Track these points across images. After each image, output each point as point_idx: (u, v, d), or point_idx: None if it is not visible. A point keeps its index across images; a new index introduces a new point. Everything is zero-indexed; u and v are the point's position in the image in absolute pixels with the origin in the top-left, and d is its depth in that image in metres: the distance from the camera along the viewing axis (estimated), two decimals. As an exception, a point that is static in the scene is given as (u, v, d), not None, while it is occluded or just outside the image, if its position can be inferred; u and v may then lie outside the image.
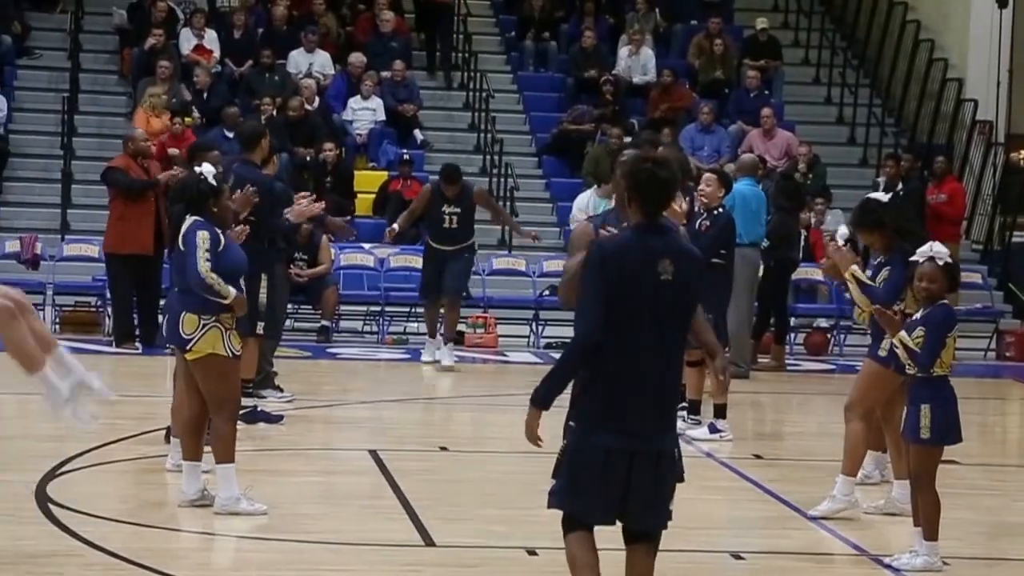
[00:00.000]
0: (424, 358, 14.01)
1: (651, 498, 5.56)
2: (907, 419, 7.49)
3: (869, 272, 8.37)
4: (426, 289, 14.03)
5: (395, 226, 13.81)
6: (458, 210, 13.58)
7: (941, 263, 7.36)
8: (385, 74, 19.58)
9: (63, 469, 9.11)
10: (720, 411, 10.92)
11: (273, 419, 10.94)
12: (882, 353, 8.31)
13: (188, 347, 8.05)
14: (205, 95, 18.91)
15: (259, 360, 10.96)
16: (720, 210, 10.95)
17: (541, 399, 5.63)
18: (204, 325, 8.00)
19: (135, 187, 14.34)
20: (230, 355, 8.03)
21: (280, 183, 11.76)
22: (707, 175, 11.07)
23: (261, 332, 10.65)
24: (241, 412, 10.69)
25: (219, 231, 8.12)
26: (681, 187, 9.82)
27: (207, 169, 8.24)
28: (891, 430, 8.45)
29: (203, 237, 8.02)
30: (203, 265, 7.96)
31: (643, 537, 5.64)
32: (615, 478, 5.51)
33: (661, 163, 5.63)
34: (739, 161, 15.47)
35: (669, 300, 5.53)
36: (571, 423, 5.61)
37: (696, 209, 10.98)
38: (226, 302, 8.01)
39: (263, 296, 10.42)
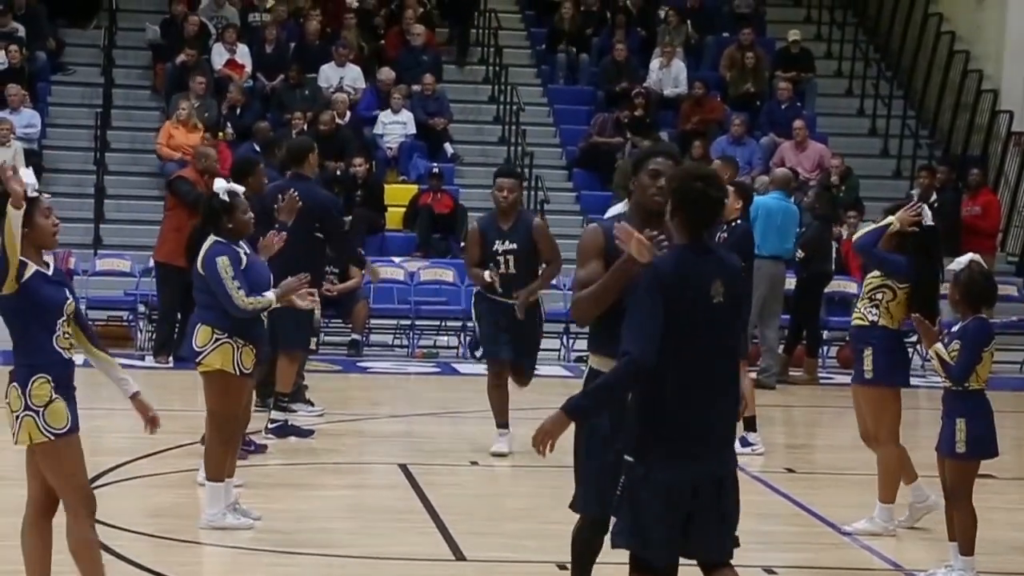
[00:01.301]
0: (499, 449, 10.64)
1: (717, 526, 5.39)
2: (942, 433, 7.46)
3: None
4: (488, 348, 10.70)
5: (487, 274, 10.56)
6: (514, 246, 10.52)
7: (957, 269, 7.36)
8: (415, 88, 19.60)
9: (97, 483, 9.09)
10: (751, 424, 10.87)
11: (304, 433, 10.95)
12: (868, 375, 8.28)
13: (198, 359, 8.02)
14: (237, 110, 18.96)
15: (293, 375, 10.98)
16: (738, 222, 10.92)
17: (576, 410, 5.33)
18: (216, 340, 7.95)
19: (202, 201, 14.32)
20: (237, 373, 7.96)
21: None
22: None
23: (313, 348, 10.55)
24: (272, 426, 10.78)
25: (239, 249, 8.07)
26: None
27: (220, 185, 8.21)
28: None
29: (224, 265, 7.91)
30: (237, 296, 7.89)
31: (722, 564, 5.47)
32: (678, 512, 5.32)
33: (712, 181, 5.36)
34: (772, 174, 15.45)
35: (722, 322, 5.35)
36: (629, 458, 5.38)
37: None
38: (275, 306, 8.00)
39: (317, 313, 10.34)
